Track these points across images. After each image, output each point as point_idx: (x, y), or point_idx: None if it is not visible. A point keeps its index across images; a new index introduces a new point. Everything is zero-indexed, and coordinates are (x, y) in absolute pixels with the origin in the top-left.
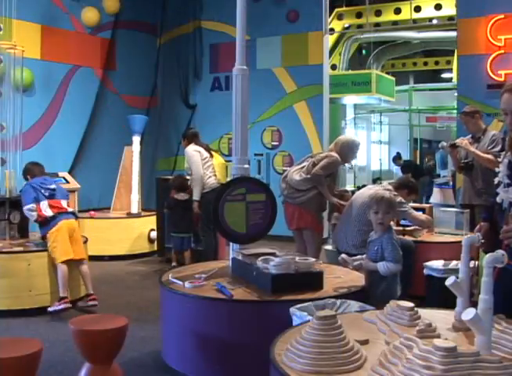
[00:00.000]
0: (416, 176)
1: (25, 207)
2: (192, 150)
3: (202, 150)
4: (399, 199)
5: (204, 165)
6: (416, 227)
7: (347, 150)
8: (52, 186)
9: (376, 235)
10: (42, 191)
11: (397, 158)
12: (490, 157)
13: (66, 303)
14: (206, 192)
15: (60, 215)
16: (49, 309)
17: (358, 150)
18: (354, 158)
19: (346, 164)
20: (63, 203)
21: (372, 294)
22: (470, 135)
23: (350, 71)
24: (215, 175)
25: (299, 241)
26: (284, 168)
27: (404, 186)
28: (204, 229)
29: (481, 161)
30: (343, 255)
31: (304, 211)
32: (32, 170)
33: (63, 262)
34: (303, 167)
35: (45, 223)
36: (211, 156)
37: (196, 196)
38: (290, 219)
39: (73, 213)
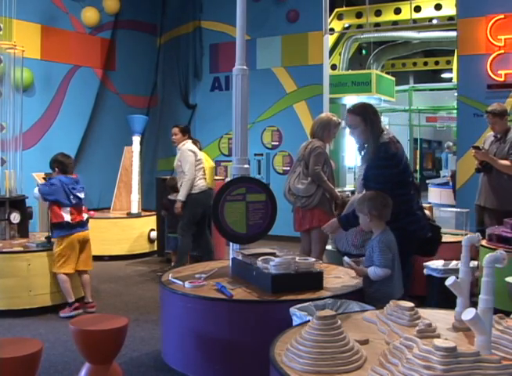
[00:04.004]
0: None
1: (39, 193)
2: (188, 150)
3: (197, 150)
4: None
5: (196, 167)
6: None
7: (322, 130)
8: (82, 195)
9: (373, 236)
10: (71, 197)
11: None
12: (508, 163)
13: (77, 309)
14: (196, 193)
15: (77, 227)
16: (61, 315)
17: (336, 128)
18: (332, 137)
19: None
20: (84, 208)
21: (366, 293)
22: (492, 134)
23: (350, 71)
24: (205, 178)
25: (305, 242)
26: (284, 169)
27: None
28: (184, 228)
29: (498, 168)
30: (348, 261)
31: (317, 211)
32: (63, 163)
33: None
34: (299, 174)
35: (60, 227)
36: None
37: (181, 196)
38: (300, 221)
39: (87, 220)
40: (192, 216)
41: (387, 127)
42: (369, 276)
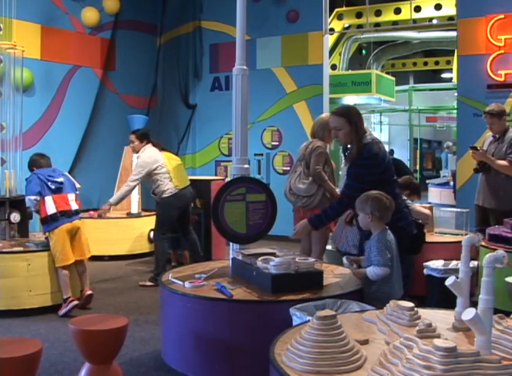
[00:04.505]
0: (397, 174)
1: (27, 197)
2: (143, 161)
3: (157, 155)
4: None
5: (159, 171)
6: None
7: (322, 130)
8: (60, 180)
9: (372, 236)
10: (49, 184)
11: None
12: (505, 163)
13: (71, 302)
14: (167, 197)
15: (63, 218)
16: (60, 314)
17: None
18: (333, 137)
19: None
20: (70, 197)
21: (365, 294)
22: (491, 134)
23: (350, 71)
24: (172, 180)
25: (305, 242)
26: (284, 169)
27: (406, 187)
28: (158, 232)
29: (496, 168)
30: (346, 262)
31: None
32: (38, 161)
33: (63, 266)
34: (300, 173)
35: (46, 222)
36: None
37: (112, 199)
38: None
39: (77, 212)
40: (167, 220)
41: (369, 128)
42: (368, 276)
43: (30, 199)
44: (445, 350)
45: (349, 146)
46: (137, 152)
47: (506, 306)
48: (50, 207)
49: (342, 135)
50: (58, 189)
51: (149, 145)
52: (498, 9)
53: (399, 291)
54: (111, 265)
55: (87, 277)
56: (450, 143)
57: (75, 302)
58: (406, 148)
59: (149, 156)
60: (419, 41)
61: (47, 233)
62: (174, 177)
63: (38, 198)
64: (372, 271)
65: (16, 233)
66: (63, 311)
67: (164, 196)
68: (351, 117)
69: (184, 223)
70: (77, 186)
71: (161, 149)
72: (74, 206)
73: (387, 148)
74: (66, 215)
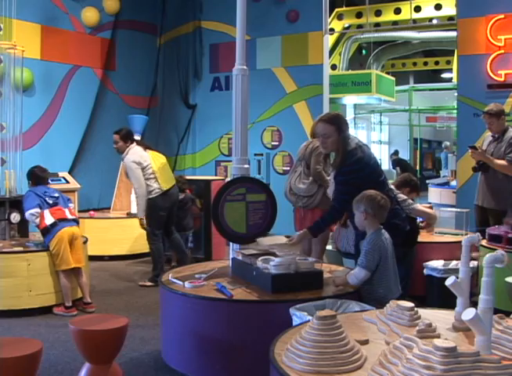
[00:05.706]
0: (403, 172)
1: (28, 212)
2: (132, 162)
3: (143, 155)
4: (401, 196)
5: (146, 172)
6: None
7: None
8: (56, 194)
9: (366, 236)
10: (46, 199)
11: (393, 154)
12: (504, 162)
13: (72, 312)
14: (153, 198)
15: (61, 223)
16: (54, 311)
17: None
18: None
19: None
20: (66, 211)
21: (361, 294)
22: (490, 134)
23: (350, 71)
24: (157, 182)
25: (305, 242)
26: (284, 169)
27: (405, 185)
28: (151, 235)
29: (495, 168)
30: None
31: (318, 211)
32: (38, 176)
33: (64, 270)
34: (300, 173)
35: (47, 232)
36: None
37: (140, 214)
38: (301, 221)
39: (75, 220)
40: (157, 221)
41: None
42: (350, 282)
43: (31, 213)
44: (445, 350)
45: (333, 153)
46: (122, 153)
47: (506, 306)
48: (48, 219)
49: (330, 142)
50: (55, 204)
51: (134, 144)
52: (498, 9)
53: (396, 290)
54: (111, 265)
55: (87, 286)
56: (448, 143)
57: (75, 313)
58: (406, 148)
59: (134, 158)
60: (419, 41)
61: (50, 243)
62: (159, 177)
63: (39, 210)
64: (353, 276)
65: (16, 233)
66: (59, 312)
67: (151, 196)
68: (341, 125)
69: (167, 223)
70: (75, 186)
71: (146, 148)
72: (70, 217)
73: (387, 148)
74: (64, 221)
